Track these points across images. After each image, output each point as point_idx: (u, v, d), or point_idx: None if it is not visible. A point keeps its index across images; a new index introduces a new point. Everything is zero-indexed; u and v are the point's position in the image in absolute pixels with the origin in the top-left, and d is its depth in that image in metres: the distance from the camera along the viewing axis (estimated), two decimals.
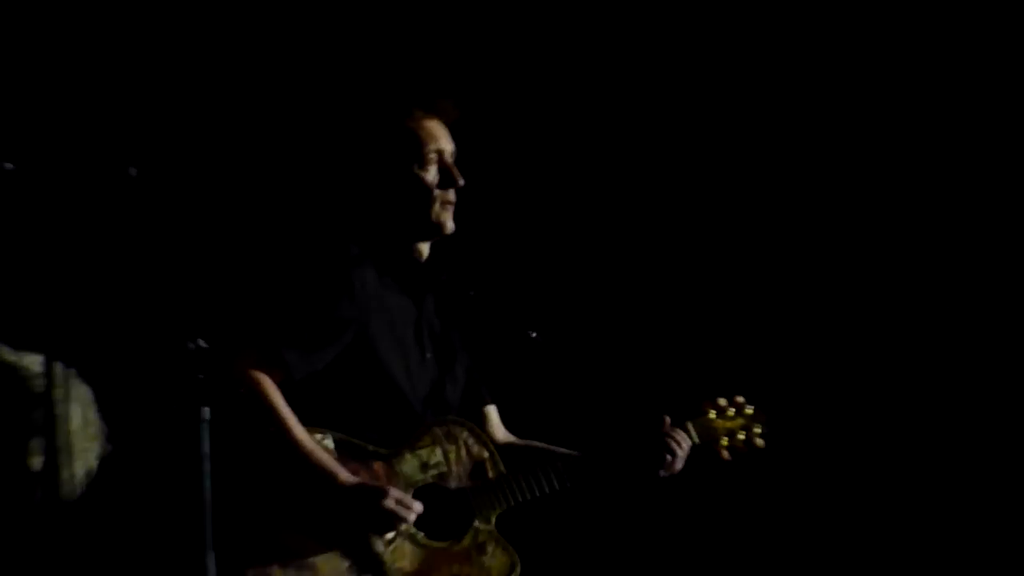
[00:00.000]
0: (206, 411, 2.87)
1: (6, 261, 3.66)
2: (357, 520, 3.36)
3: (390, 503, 3.34)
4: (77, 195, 3.04)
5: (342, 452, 3.39)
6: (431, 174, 3.55)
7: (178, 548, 3.45)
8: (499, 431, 3.76)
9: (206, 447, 2.85)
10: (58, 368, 2.83)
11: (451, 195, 3.57)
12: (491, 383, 3.78)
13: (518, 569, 3.56)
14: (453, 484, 3.53)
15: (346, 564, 3.37)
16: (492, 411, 3.76)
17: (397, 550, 3.43)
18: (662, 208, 4.95)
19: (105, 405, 4.24)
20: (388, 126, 3.59)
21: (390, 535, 3.40)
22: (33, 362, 2.97)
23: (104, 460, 4.04)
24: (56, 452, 2.84)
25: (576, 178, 4.90)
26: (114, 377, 4.20)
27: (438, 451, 3.52)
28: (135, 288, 2.98)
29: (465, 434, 3.57)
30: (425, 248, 3.60)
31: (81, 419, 3.04)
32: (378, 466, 3.44)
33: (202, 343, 2.89)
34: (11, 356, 3.02)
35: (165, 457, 3.82)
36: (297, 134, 4.48)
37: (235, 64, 4.54)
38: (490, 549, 3.55)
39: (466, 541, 3.53)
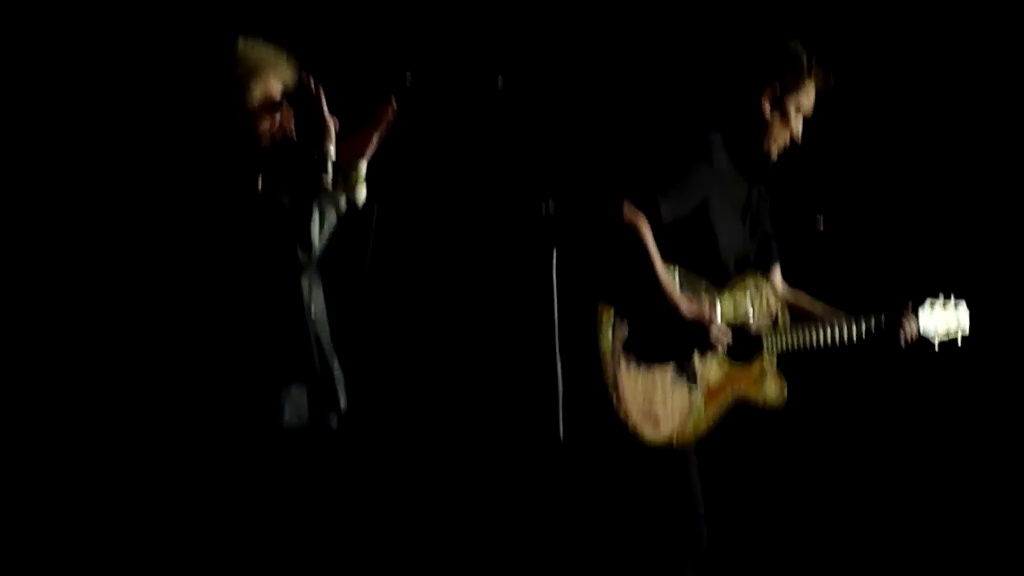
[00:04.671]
0: (555, 253, 3.72)
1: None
2: (688, 339, 4.32)
3: (715, 331, 4.31)
4: (459, 99, 3.98)
5: (682, 281, 4.31)
6: (792, 120, 4.40)
7: (529, 359, 4.56)
8: (778, 281, 4.71)
9: (555, 280, 3.71)
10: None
11: (787, 142, 4.43)
12: (781, 249, 4.69)
13: (785, 398, 4.52)
14: (753, 325, 4.47)
15: (674, 370, 4.33)
16: (776, 266, 4.71)
17: (708, 365, 4.38)
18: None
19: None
20: (794, 68, 4.39)
21: (708, 354, 4.37)
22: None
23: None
24: None
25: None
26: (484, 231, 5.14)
27: (748, 297, 4.46)
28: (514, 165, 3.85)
29: (767, 288, 4.54)
30: (775, 153, 4.46)
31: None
32: (706, 298, 4.36)
33: (552, 206, 3.75)
34: None
35: (516, 292, 4.87)
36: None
37: None
38: (769, 378, 4.51)
39: (754, 367, 4.48)
